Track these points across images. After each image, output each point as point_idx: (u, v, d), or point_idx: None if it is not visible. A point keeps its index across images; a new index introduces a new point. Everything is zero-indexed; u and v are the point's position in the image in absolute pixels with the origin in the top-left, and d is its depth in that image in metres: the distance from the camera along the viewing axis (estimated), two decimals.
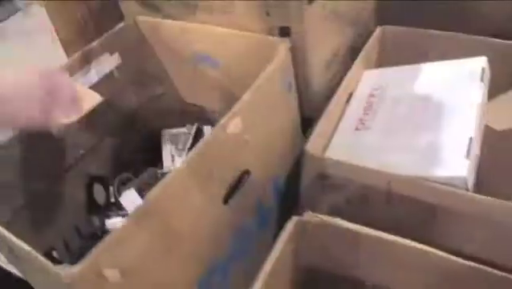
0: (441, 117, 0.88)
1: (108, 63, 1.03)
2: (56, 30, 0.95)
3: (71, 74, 0.96)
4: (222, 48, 0.95)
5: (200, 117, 1.14)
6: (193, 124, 1.14)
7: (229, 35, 0.93)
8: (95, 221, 1.03)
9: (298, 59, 0.89)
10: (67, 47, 1.04)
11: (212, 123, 1.11)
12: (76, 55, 0.97)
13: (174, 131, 1.14)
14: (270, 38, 0.87)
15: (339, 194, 0.86)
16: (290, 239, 0.72)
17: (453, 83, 0.94)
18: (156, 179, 1.11)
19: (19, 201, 0.88)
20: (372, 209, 0.84)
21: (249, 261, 0.84)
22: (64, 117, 0.65)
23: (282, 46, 0.84)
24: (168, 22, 1.01)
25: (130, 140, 1.13)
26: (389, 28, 1.10)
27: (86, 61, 0.99)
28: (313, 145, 0.84)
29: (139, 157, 1.14)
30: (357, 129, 0.96)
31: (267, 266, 0.68)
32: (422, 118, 0.91)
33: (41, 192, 0.92)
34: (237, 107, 0.74)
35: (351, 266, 0.76)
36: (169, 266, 0.70)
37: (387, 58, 1.11)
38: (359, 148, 0.92)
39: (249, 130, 0.77)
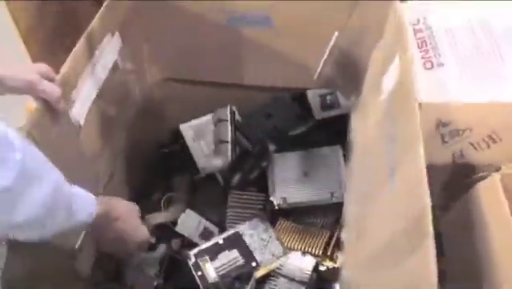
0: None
1: (111, 47, 0.74)
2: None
3: (80, 73, 0.66)
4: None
5: (216, 99, 0.90)
6: (210, 110, 0.90)
7: None
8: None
9: None
10: (27, 32, 0.71)
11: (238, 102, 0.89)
12: (80, 44, 0.66)
13: (195, 122, 0.88)
14: None
15: (463, 139, 0.77)
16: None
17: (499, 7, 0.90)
18: (193, 187, 0.86)
19: None
20: (502, 147, 0.77)
21: None
22: None
23: None
24: None
25: (145, 146, 0.85)
26: None
27: (90, 49, 0.68)
28: None
29: (161, 165, 0.87)
30: (427, 68, 0.86)
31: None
32: (491, 42, 0.86)
33: None
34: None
35: None
36: None
37: None
38: (446, 86, 0.83)
39: None
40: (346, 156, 0.80)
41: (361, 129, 0.72)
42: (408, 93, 0.55)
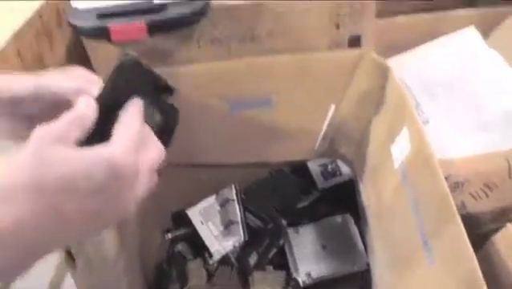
0: (485, 89, 0.91)
1: None
2: None
3: None
4: (276, 80, 0.78)
5: (214, 179, 0.91)
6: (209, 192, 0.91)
7: (289, 62, 0.76)
8: None
9: None
10: None
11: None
12: None
13: (201, 206, 0.88)
14: (351, 50, 0.75)
15: (464, 191, 0.82)
16: None
17: (465, 56, 0.98)
18: (207, 273, 0.85)
19: None
20: (497, 193, 0.82)
21: None
22: None
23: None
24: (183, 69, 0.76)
25: (150, 234, 0.83)
26: None
27: None
28: None
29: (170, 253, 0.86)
30: None
31: None
32: (468, 97, 0.92)
33: None
34: None
35: None
36: None
37: None
38: (437, 143, 0.88)
39: None
40: (357, 223, 0.82)
41: (375, 195, 0.75)
42: (427, 163, 0.58)
